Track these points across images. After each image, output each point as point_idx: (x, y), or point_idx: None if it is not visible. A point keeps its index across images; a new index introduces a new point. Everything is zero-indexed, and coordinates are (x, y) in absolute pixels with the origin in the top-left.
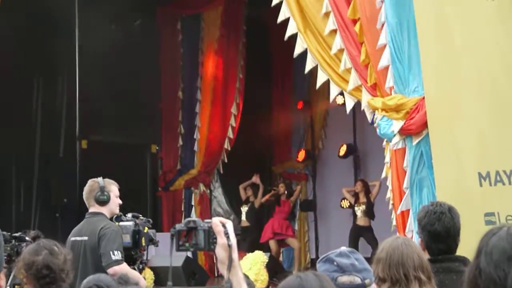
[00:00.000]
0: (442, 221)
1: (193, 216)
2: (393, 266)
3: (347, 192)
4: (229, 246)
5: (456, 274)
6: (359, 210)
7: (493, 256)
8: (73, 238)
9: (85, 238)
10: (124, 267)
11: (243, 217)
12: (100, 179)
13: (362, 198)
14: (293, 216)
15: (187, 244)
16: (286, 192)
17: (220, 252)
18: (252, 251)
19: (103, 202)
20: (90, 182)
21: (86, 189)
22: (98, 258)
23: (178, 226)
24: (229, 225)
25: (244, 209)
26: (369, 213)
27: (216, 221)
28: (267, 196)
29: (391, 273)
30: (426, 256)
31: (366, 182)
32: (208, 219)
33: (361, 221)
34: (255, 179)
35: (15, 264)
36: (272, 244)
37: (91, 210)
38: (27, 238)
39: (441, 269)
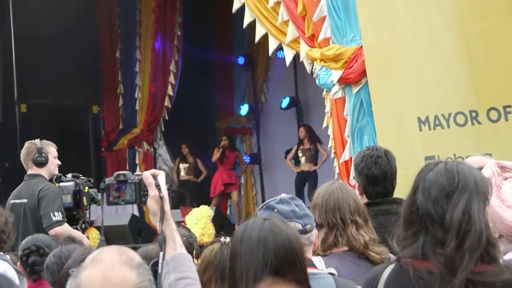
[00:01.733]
0: (379, 164)
1: None
2: (329, 211)
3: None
4: (161, 198)
5: (395, 216)
6: (304, 156)
7: (431, 192)
8: (12, 201)
9: (24, 200)
10: (65, 228)
11: (182, 172)
12: (37, 140)
13: (306, 144)
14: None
15: (118, 199)
16: (229, 144)
17: (151, 204)
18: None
19: (41, 163)
20: (27, 144)
21: (23, 151)
22: (39, 220)
23: (108, 180)
24: (161, 176)
25: (183, 165)
26: (313, 158)
27: (146, 174)
28: (217, 154)
29: (327, 218)
30: (364, 200)
31: (310, 127)
32: (138, 172)
33: (305, 166)
34: None
35: None
36: (214, 199)
37: (29, 172)
38: None
39: (380, 212)
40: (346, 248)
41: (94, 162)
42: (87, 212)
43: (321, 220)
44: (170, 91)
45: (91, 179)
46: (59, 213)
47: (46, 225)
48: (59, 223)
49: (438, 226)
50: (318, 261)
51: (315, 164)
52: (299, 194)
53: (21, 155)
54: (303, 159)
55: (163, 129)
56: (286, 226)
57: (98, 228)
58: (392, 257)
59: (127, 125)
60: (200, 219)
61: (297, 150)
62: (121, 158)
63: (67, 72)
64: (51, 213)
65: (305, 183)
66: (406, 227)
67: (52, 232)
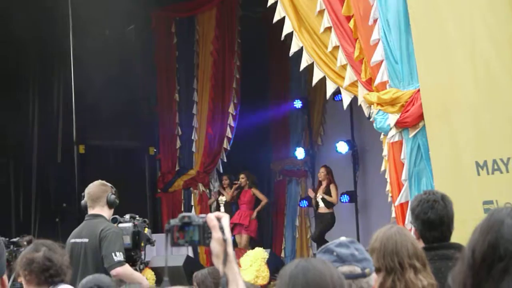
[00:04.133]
0: (435, 209)
1: None
2: (388, 255)
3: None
4: (224, 240)
5: (452, 261)
6: (320, 198)
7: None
8: (72, 240)
9: (86, 240)
10: (127, 268)
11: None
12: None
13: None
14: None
15: (181, 240)
16: (248, 182)
17: (215, 246)
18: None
19: (114, 204)
20: (99, 184)
21: (95, 189)
22: (99, 260)
23: (173, 222)
24: (225, 219)
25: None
26: (327, 202)
27: (211, 216)
28: (230, 192)
29: (385, 262)
30: (421, 244)
31: (329, 169)
32: (203, 214)
33: (322, 209)
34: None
35: (14, 268)
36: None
37: (92, 212)
38: (25, 243)
39: (437, 257)
40: None
41: (150, 203)
42: (143, 252)
43: (379, 264)
44: (229, 133)
45: (146, 219)
46: (121, 253)
47: (108, 265)
48: (120, 263)
49: None
50: None
51: (328, 208)
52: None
53: (91, 194)
54: (320, 202)
55: (221, 171)
56: (323, 265)
57: (152, 269)
58: None
59: (183, 167)
60: (254, 261)
61: (315, 192)
62: (177, 200)
63: (124, 113)
64: (113, 253)
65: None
66: (478, 273)
67: (113, 272)
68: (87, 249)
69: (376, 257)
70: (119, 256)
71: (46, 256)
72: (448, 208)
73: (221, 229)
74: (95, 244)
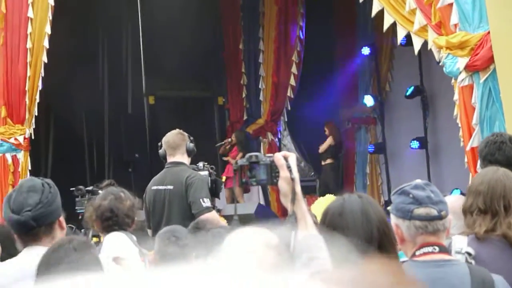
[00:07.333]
0: (503, 150)
1: None
2: (495, 198)
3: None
4: (292, 179)
5: None
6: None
7: None
8: (155, 187)
9: (170, 187)
10: (214, 214)
11: None
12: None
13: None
14: None
15: (250, 179)
16: (239, 141)
17: (283, 185)
18: None
19: (193, 152)
20: (177, 132)
21: (173, 138)
22: (185, 206)
23: (240, 162)
24: (292, 158)
25: None
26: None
27: (278, 155)
28: (222, 148)
29: (492, 205)
30: None
31: (333, 125)
32: (270, 154)
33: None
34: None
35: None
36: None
37: (172, 159)
38: (99, 191)
39: None
40: (499, 235)
41: (220, 154)
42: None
43: (485, 207)
44: (292, 82)
45: (213, 166)
46: (208, 199)
47: (197, 211)
48: (208, 209)
49: None
50: (459, 240)
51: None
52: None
53: (170, 142)
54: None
55: (286, 120)
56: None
57: (225, 217)
58: None
59: (252, 116)
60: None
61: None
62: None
63: (192, 63)
64: (201, 200)
65: None
66: None
67: (203, 217)
68: (171, 196)
69: (483, 200)
70: (207, 202)
71: (110, 206)
72: None
73: (289, 168)
74: (181, 190)
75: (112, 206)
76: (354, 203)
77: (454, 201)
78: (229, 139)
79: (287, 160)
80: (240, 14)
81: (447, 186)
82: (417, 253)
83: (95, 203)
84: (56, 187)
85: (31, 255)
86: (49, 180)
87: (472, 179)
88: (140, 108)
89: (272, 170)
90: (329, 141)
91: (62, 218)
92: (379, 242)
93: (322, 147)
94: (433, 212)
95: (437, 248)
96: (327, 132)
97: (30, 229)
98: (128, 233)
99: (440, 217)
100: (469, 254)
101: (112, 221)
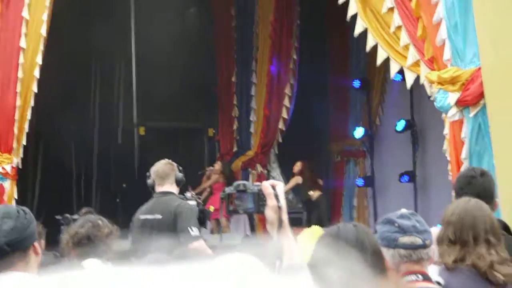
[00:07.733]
0: (473, 184)
1: None
2: (465, 230)
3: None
4: (279, 207)
5: None
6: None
7: None
8: (143, 216)
9: (159, 216)
10: (202, 243)
11: None
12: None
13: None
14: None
15: (237, 207)
16: (223, 172)
17: (269, 213)
18: None
19: (182, 182)
20: (166, 162)
21: (162, 168)
22: (173, 235)
23: (228, 190)
24: (279, 187)
25: None
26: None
27: (265, 184)
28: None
29: (462, 236)
30: None
31: (305, 164)
32: (257, 182)
33: None
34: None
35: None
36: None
37: (161, 189)
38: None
39: None
40: (469, 265)
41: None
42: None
43: (455, 237)
44: (284, 114)
45: (200, 196)
46: (196, 228)
47: (185, 240)
48: (196, 238)
49: None
50: (431, 269)
51: None
52: None
53: (159, 172)
54: None
55: (276, 152)
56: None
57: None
58: None
59: (242, 148)
60: (313, 239)
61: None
62: (235, 180)
63: (183, 95)
64: (189, 228)
65: None
66: None
67: (191, 246)
68: (160, 225)
69: (452, 230)
70: (195, 231)
71: (87, 234)
72: (485, 185)
73: (276, 196)
74: (170, 219)
75: (89, 234)
76: (349, 231)
77: (439, 231)
78: (211, 167)
79: (275, 189)
80: (234, 48)
81: (434, 219)
82: None
83: (71, 230)
84: (31, 214)
85: (5, 281)
86: (24, 208)
87: (445, 210)
88: (130, 138)
89: (260, 198)
90: (294, 180)
91: (37, 244)
92: (372, 270)
93: (286, 187)
94: (418, 241)
95: (420, 277)
96: (295, 171)
97: (4, 254)
98: (104, 260)
99: (425, 246)
100: (439, 283)
101: (89, 247)
